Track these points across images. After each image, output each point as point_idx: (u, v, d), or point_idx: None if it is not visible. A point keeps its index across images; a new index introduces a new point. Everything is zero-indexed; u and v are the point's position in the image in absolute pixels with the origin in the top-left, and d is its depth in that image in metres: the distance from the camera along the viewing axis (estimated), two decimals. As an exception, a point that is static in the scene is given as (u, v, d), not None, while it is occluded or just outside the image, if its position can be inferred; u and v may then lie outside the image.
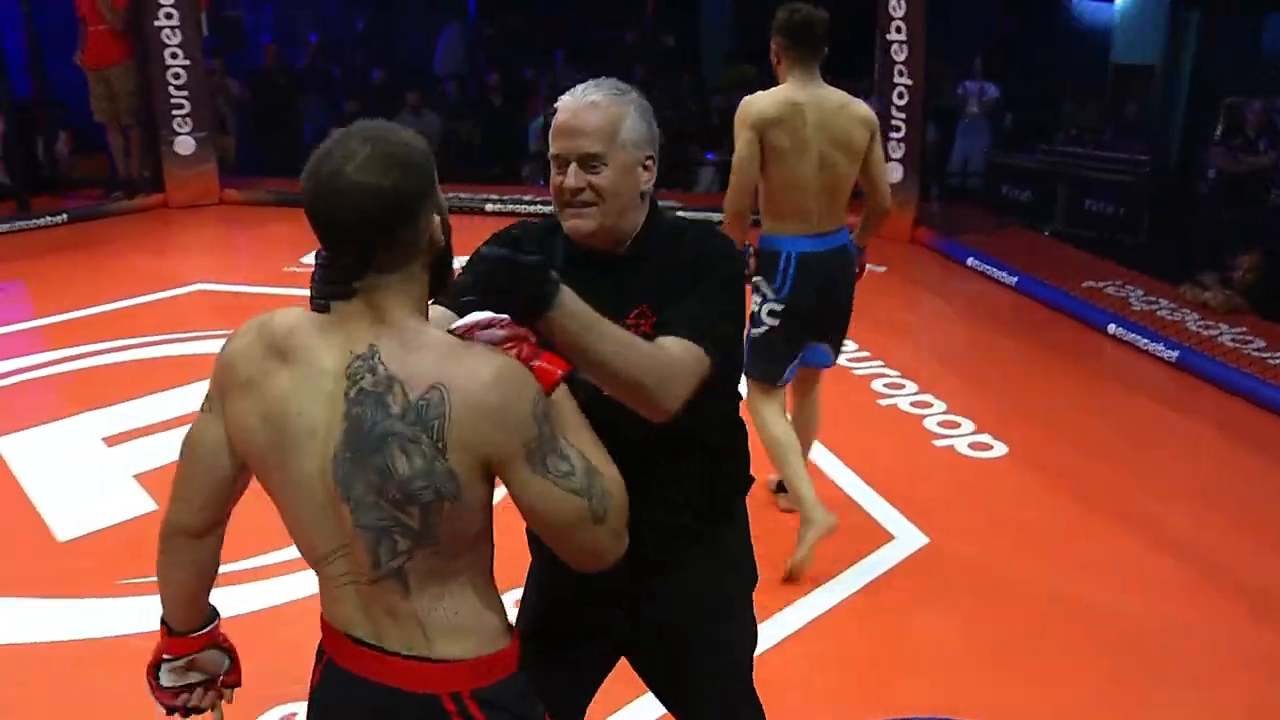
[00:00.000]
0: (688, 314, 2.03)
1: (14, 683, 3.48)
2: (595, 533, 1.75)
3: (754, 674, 2.41)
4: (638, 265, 2.12)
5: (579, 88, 2.08)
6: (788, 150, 3.80)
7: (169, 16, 8.52)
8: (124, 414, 5.30)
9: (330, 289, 1.74)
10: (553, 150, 2.07)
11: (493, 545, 1.82)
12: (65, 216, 8.56)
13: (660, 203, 2.18)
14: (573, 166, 2.05)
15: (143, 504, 4.52)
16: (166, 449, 4.53)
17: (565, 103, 2.08)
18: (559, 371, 1.73)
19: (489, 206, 8.60)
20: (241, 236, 8.68)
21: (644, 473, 1.89)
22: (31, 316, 6.86)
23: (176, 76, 8.67)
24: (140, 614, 3.67)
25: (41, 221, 8.43)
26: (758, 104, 3.81)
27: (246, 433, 1.78)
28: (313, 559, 1.81)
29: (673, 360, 1.95)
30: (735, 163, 3.84)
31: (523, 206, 8.53)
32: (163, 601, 1.94)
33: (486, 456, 1.71)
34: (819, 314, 3.94)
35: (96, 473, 4.86)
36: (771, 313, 3.90)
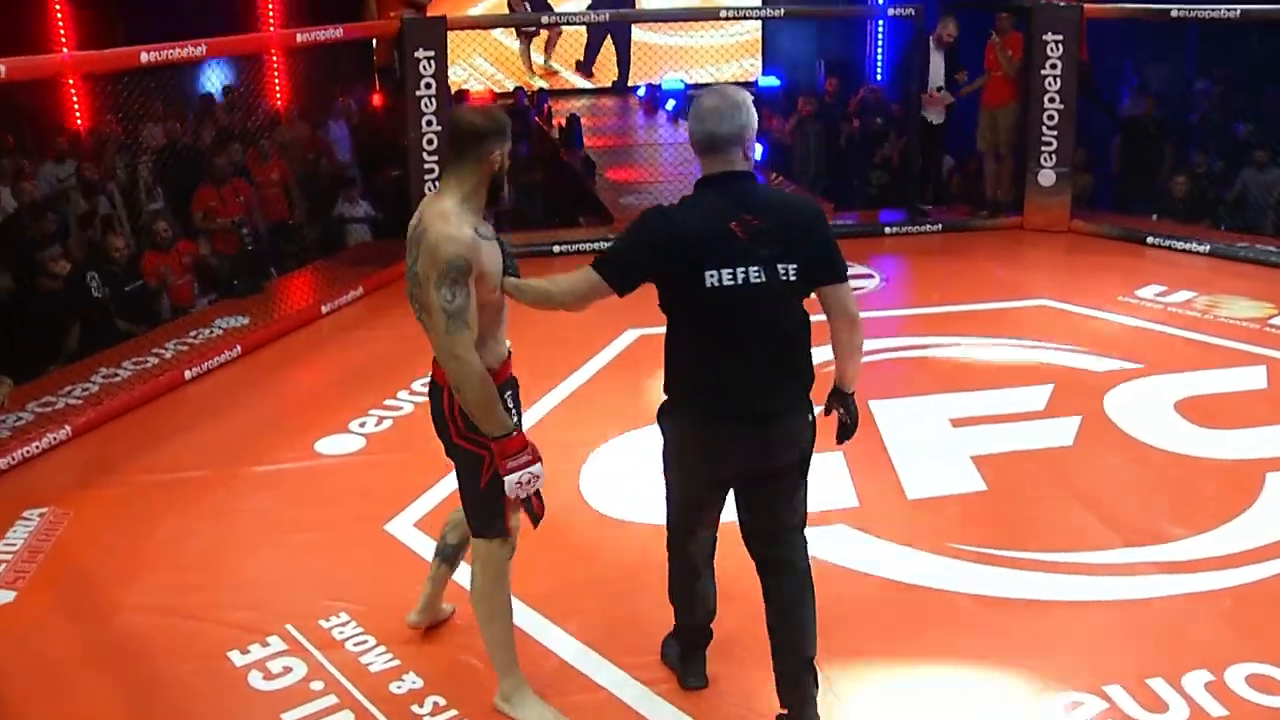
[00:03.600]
0: None
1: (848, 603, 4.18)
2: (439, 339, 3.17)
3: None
4: None
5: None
6: None
7: (1053, 66, 9.78)
8: (968, 402, 5.94)
9: None
10: None
11: (493, 322, 3.26)
12: (940, 225, 10.22)
13: None
14: None
15: (975, 483, 5.08)
16: (1003, 438, 5.47)
17: None
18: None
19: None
20: (1085, 263, 9.09)
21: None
22: (906, 305, 8.18)
23: (1050, 118, 9.88)
24: (966, 576, 4.32)
25: (922, 228, 10.14)
26: None
27: None
28: None
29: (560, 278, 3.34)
30: None
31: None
32: None
33: (424, 271, 3.14)
34: None
35: (941, 447, 5.46)
36: None
